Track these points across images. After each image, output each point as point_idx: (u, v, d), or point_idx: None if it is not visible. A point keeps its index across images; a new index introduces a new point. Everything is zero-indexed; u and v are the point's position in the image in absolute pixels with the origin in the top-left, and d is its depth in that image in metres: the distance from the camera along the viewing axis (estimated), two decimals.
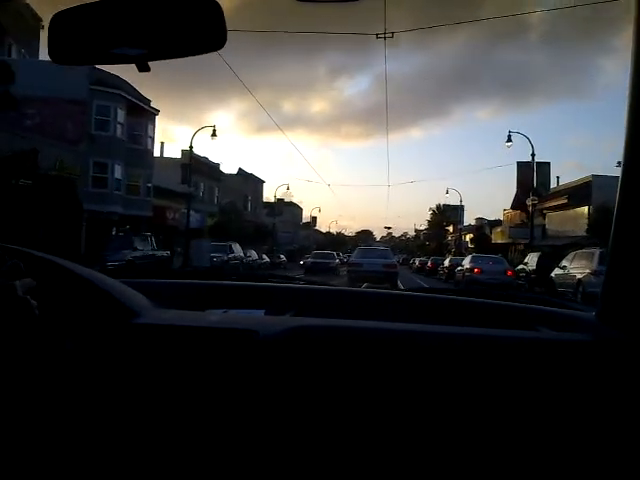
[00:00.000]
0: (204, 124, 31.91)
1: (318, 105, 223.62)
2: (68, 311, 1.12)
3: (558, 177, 38.83)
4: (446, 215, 71.59)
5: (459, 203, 53.57)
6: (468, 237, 73.51)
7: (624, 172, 1.15)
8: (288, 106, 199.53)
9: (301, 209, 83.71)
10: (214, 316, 1.40)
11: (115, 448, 1.06)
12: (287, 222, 77.00)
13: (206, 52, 0.95)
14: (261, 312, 1.55)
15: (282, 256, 51.76)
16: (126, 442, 1.07)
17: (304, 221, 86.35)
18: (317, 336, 1.16)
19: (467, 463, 1.05)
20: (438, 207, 73.86)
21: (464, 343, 1.15)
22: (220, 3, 0.94)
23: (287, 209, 76.63)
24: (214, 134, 30.80)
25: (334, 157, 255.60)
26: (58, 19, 0.98)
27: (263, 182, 58.93)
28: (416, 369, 1.10)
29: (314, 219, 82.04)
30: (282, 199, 56.91)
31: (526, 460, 1.04)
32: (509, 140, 30.82)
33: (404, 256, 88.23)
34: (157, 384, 1.09)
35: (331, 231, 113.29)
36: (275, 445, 1.06)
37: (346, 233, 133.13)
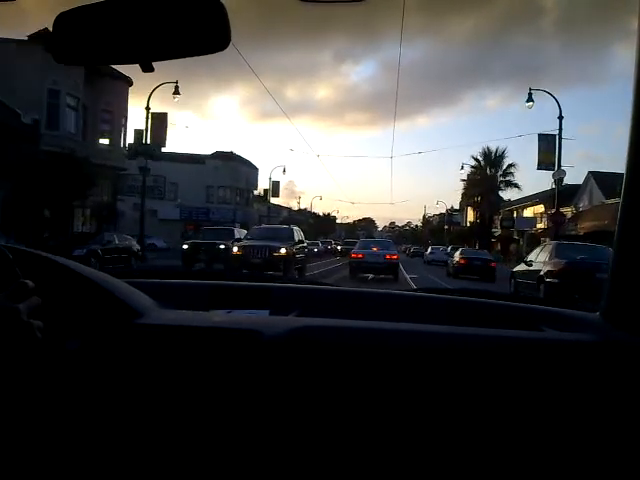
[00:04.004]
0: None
1: (323, 91, 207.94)
2: (72, 311, 1.13)
3: None
4: (498, 166, 40.53)
5: (558, 118, 23.00)
6: (533, 210, 42.95)
7: (628, 169, 1.14)
8: (292, 92, 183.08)
9: (256, 169, 52.52)
10: (218, 316, 1.42)
11: (119, 448, 1.06)
12: (227, 187, 46.05)
13: (210, 53, 0.95)
14: (265, 312, 1.54)
15: (131, 241, 21.33)
16: (130, 442, 1.07)
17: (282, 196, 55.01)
18: (321, 336, 1.16)
19: (472, 463, 1.06)
20: (486, 153, 42.42)
21: (468, 343, 1.15)
22: (224, 3, 0.94)
23: (225, 165, 45.68)
24: None
25: (339, 145, 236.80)
26: (62, 19, 0.98)
27: (129, 84, 27.65)
28: (420, 369, 1.10)
29: (275, 185, 50.91)
30: (163, 113, 26.09)
31: (532, 460, 1.04)
32: None
33: (409, 246, 72.21)
34: (161, 384, 1.09)
35: (315, 211, 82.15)
36: (278, 445, 1.07)
37: (339, 216, 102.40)
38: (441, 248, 40.78)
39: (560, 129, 23.95)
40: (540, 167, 24.65)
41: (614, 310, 1.19)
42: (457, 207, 74.18)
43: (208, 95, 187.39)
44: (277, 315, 1.46)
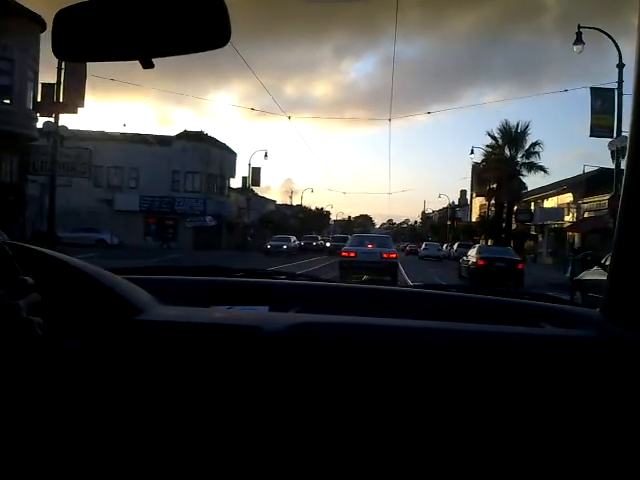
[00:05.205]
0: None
1: (321, 88, 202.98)
2: (72, 308, 1.13)
3: None
4: (520, 144, 33.45)
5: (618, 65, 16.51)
6: (557, 200, 36.34)
7: (629, 167, 1.15)
8: (290, 89, 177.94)
9: (233, 154, 45.68)
10: (218, 313, 1.42)
11: (119, 445, 1.06)
12: (197, 173, 39.29)
13: (210, 49, 0.96)
14: (265, 308, 1.53)
15: None
16: (130, 439, 1.06)
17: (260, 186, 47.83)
18: (321, 333, 1.16)
19: (472, 459, 1.05)
20: (505, 129, 35.37)
21: (468, 340, 1.15)
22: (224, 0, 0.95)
23: (194, 147, 38.96)
24: None
25: (337, 143, 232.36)
26: (62, 16, 0.99)
27: (40, 26, 20.73)
28: (421, 366, 1.10)
29: (255, 172, 44.08)
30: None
31: (532, 456, 1.04)
32: None
33: (407, 243, 70.13)
34: (161, 381, 1.09)
35: (306, 205, 75.48)
36: (277, 442, 1.06)
37: (334, 212, 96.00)
38: (434, 244, 44.97)
39: (620, 81, 17.45)
40: (594, 133, 18.07)
41: (614, 306, 1.19)
42: (457, 203, 68.25)
43: (206, 92, 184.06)
44: (277, 311, 1.45)
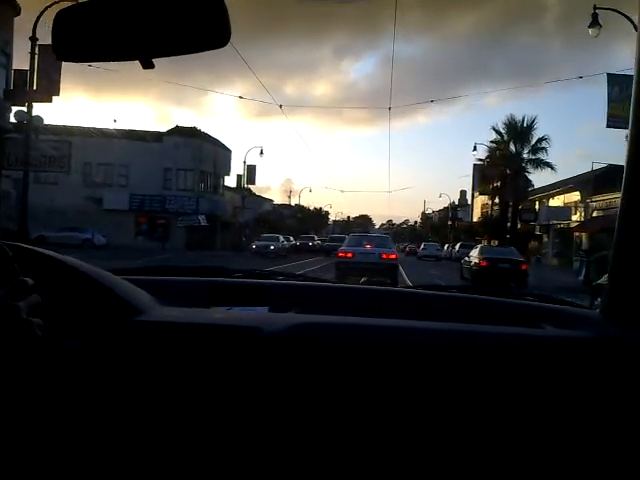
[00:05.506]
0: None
1: (322, 88, 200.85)
2: (71, 309, 1.13)
3: None
4: (526, 140, 31.98)
5: None
6: (564, 199, 34.97)
7: (628, 166, 1.14)
8: (290, 89, 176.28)
9: (228, 151, 44.10)
10: (218, 313, 1.42)
11: (119, 445, 1.06)
12: (189, 170, 37.84)
13: (210, 49, 0.96)
14: (265, 309, 1.53)
15: None
16: (130, 439, 1.07)
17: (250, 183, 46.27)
18: (321, 333, 1.16)
19: (473, 460, 1.05)
20: (510, 124, 33.90)
21: (469, 340, 1.15)
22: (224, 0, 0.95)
23: (186, 143, 37.51)
24: None
25: (336, 142, 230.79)
26: (62, 16, 0.99)
27: (14, 9, 19.28)
28: (421, 366, 1.10)
29: (250, 170, 42.58)
30: None
31: (531, 456, 1.05)
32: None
33: (407, 244, 69.99)
34: (161, 382, 1.10)
35: (303, 205, 74.05)
36: (278, 442, 1.06)
37: (333, 212, 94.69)
38: (433, 245, 46.38)
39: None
40: (610, 123, 16.68)
41: (614, 307, 1.19)
42: (458, 203, 67.00)
43: (205, 91, 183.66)
44: (277, 312, 1.44)
